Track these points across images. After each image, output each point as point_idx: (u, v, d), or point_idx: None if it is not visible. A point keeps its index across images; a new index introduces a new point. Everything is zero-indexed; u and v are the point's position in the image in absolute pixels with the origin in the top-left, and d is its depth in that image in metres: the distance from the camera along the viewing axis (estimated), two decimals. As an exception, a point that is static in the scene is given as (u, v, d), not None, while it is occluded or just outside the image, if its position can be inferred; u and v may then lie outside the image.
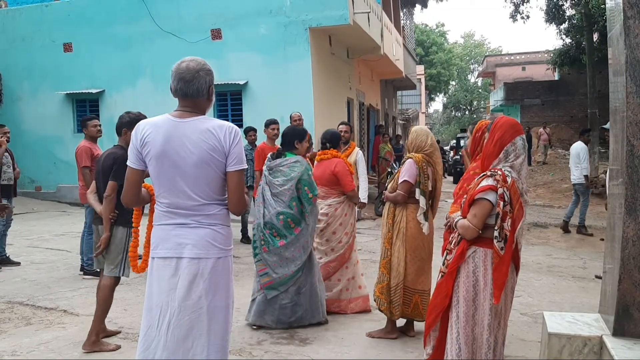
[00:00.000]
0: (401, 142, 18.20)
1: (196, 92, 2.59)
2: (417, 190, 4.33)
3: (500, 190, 2.88)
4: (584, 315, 3.67)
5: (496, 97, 35.23)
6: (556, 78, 30.17)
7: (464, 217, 3.03)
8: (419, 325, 4.59)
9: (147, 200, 2.96)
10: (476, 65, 59.93)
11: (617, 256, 3.18)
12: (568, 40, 21.90)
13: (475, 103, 61.69)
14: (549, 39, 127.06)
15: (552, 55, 24.35)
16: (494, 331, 2.96)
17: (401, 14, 21.97)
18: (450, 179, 23.60)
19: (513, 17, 21.20)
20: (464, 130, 32.86)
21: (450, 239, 3.19)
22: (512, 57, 46.56)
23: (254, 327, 4.72)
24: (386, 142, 14.27)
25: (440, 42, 48.77)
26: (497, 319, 2.97)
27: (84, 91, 12.85)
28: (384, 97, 21.81)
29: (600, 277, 6.38)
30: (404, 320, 4.61)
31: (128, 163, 2.64)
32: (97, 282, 6.11)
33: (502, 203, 2.87)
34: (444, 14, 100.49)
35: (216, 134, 2.54)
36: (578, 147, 9.65)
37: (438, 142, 15.59)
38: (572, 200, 10.13)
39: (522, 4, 20.99)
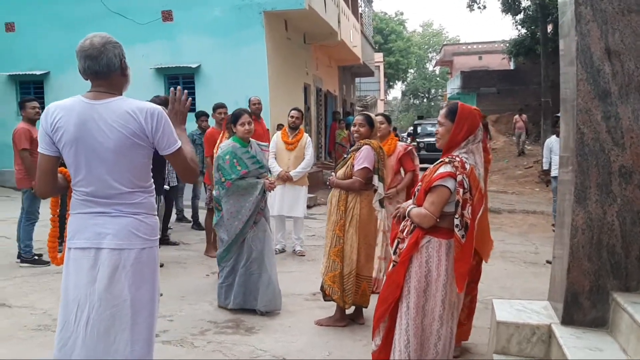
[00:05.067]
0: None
1: (106, 67, 2.38)
2: (376, 177, 4.25)
3: (459, 177, 2.76)
4: (532, 302, 3.65)
5: (453, 85, 35.62)
6: (511, 67, 30.67)
7: (420, 205, 2.91)
8: (368, 313, 4.52)
9: (64, 188, 2.70)
10: (434, 54, 60.54)
11: (567, 243, 3.15)
12: (523, 31, 22.24)
13: (433, 91, 62.55)
14: (505, 29, 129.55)
15: (507, 45, 24.72)
16: (448, 322, 2.88)
17: (359, 1, 21.84)
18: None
19: (470, 7, 21.46)
20: (421, 117, 33.15)
21: (401, 227, 3.07)
22: (470, 47, 47.09)
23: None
24: (342, 129, 14.21)
25: (399, 30, 48.99)
26: (451, 310, 2.89)
27: (27, 72, 12.25)
28: (342, 84, 21.72)
29: (550, 262, 6.49)
30: (353, 308, 4.52)
31: (39, 150, 2.42)
32: (34, 271, 5.89)
33: (462, 190, 2.75)
34: (403, 3, 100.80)
35: (137, 117, 2.34)
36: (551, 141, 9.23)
37: (395, 129, 15.70)
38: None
39: (480, -6, 21.26)
